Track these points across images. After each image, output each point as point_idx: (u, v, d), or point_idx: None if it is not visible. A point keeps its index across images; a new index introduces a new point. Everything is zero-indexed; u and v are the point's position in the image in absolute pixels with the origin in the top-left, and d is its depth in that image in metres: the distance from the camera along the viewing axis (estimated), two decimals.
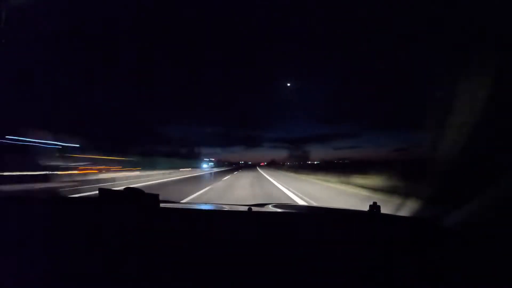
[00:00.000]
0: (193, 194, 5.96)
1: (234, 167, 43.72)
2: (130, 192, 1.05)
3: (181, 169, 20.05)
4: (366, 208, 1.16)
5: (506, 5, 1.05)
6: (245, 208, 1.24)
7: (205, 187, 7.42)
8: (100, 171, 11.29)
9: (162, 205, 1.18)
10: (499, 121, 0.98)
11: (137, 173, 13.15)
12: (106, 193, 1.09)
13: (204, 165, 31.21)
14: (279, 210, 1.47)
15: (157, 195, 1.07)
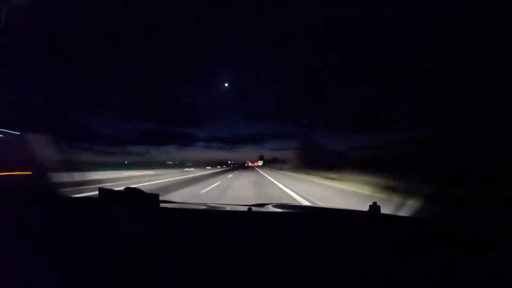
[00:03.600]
0: None
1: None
2: (130, 192, 1.05)
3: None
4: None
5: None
6: (245, 208, 1.24)
7: None
8: None
9: (162, 205, 1.18)
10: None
11: None
12: (106, 193, 1.09)
13: None
14: (279, 210, 1.47)
15: (157, 195, 1.07)
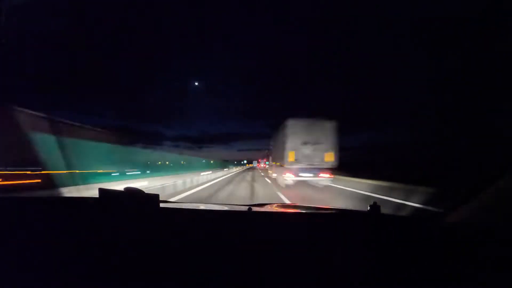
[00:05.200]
0: None
1: None
2: (130, 192, 1.05)
3: None
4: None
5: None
6: (245, 208, 1.24)
7: None
8: None
9: (162, 205, 1.18)
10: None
11: None
12: (106, 193, 1.08)
13: None
14: (279, 210, 1.47)
15: (157, 195, 1.07)
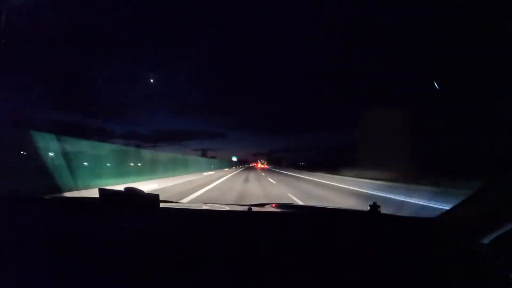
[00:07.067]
0: None
1: None
2: (130, 192, 1.05)
3: None
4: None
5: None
6: (245, 208, 1.24)
7: None
8: None
9: (162, 205, 1.18)
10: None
11: None
12: (106, 193, 1.08)
13: None
14: (279, 210, 1.47)
15: (157, 195, 1.07)
